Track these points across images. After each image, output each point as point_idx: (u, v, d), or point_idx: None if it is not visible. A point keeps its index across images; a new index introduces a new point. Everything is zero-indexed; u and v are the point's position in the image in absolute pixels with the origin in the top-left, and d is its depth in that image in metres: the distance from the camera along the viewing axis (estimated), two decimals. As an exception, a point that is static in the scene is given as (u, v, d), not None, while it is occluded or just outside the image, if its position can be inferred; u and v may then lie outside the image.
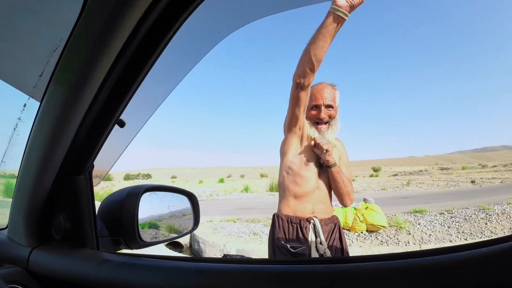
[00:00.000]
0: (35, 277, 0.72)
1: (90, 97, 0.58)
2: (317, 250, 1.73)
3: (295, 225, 1.80)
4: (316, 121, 1.85)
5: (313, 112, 1.85)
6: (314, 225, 1.78)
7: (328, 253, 1.73)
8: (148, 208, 0.91)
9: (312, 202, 1.83)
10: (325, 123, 1.85)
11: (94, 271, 0.66)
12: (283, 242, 1.80)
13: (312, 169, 1.84)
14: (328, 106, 1.83)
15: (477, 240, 5.67)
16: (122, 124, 0.69)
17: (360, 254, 5.75)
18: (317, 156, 1.85)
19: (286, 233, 1.82)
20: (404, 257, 0.49)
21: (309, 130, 1.84)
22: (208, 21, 0.62)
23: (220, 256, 6.03)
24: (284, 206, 1.88)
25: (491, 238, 0.49)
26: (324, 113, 1.82)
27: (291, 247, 1.78)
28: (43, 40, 0.58)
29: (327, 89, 1.84)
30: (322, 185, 1.86)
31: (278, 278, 0.50)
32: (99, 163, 0.76)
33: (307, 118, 1.87)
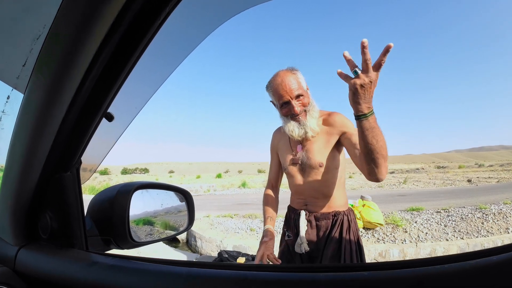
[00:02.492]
0: (22, 277, 0.69)
1: (74, 88, 0.54)
2: (301, 243, 1.72)
3: (292, 214, 1.87)
4: (291, 116, 1.68)
5: (285, 110, 1.68)
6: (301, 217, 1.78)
7: (305, 248, 1.70)
8: (141, 206, 0.88)
9: (304, 196, 1.81)
10: (301, 113, 1.66)
11: (82, 273, 0.63)
12: (285, 229, 1.92)
13: (291, 168, 1.81)
14: (298, 97, 1.63)
15: (474, 239, 5.70)
16: (110, 117, 0.65)
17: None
18: (291, 156, 1.80)
19: (286, 221, 1.93)
20: (411, 265, 0.46)
21: (288, 127, 1.70)
22: (203, 6, 0.59)
23: (217, 252, 6.02)
24: (290, 196, 1.94)
25: (502, 245, 0.47)
26: (296, 107, 1.63)
27: (287, 234, 1.88)
28: (25, 27, 0.54)
29: (287, 78, 1.63)
30: (314, 179, 1.73)
31: (276, 287, 0.47)
32: (88, 158, 0.73)
33: (282, 116, 1.74)
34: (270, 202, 1.95)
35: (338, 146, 1.69)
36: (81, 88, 0.55)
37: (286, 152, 1.85)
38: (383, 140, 1.24)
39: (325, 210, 1.73)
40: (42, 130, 0.60)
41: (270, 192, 2.01)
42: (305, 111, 1.66)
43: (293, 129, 1.67)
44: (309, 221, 1.76)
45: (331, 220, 1.71)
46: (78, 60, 0.50)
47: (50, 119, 0.59)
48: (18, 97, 0.63)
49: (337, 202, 1.75)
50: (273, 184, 2.03)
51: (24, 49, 0.56)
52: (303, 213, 1.77)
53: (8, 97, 0.67)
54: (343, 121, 1.66)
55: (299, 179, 1.79)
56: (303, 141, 1.75)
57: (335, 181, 1.72)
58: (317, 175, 1.71)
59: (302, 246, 1.71)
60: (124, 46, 0.53)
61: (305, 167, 1.74)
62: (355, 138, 1.48)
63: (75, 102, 0.57)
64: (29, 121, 0.60)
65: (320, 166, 1.68)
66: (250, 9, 0.66)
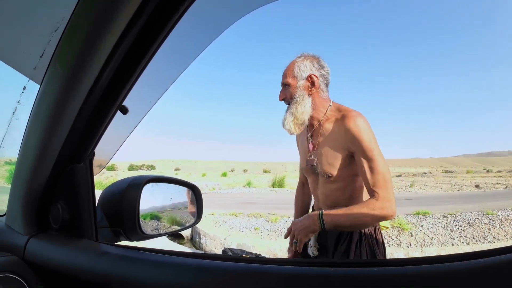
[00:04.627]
0: (31, 266, 0.70)
1: (91, 80, 0.55)
2: (311, 246, 1.63)
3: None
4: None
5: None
6: None
7: (314, 252, 1.61)
8: (150, 199, 0.89)
9: (318, 201, 1.66)
10: (287, 101, 1.54)
11: (92, 262, 0.64)
12: None
13: (306, 168, 1.65)
14: (285, 84, 1.53)
15: (481, 245, 5.63)
16: (125, 110, 0.66)
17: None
18: (306, 154, 1.64)
19: None
20: (420, 263, 0.46)
21: None
22: (217, 4, 0.59)
23: (221, 250, 6.04)
24: None
25: (509, 245, 0.47)
26: (281, 94, 1.55)
27: None
28: (43, 19, 0.55)
29: (290, 63, 1.54)
30: (325, 187, 1.57)
31: (286, 281, 0.47)
32: (100, 152, 0.74)
33: None
34: (300, 204, 1.93)
35: (351, 157, 1.44)
36: (98, 80, 0.56)
37: (303, 149, 1.69)
38: (353, 219, 1.33)
39: None
40: (58, 121, 0.61)
41: (300, 192, 1.95)
42: (287, 101, 1.53)
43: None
44: None
45: (345, 232, 1.52)
46: (96, 52, 0.51)
47: (66, 110, 0.60)
48: (34, 88, 0.64)
49: None
50: (304, 181, 1.91)
51: (42, 41, 0.56)
52: None
53: (24, 88, 0.68)
54: (355, 133, 1.37)
55: (313, 182, 1.66)
56: (313, 137, 1.58)
57: (351, 192, 1.53)
58: (329, 184, 1.53)
59: (311, 250, 1.62)
60: (141, 40, 0.53)
61: (317, 172, 1.57)
62: (362, 159, 1.36)
63: (91, 94, 0.58)
64: (44, 112, 0.62)
65: (330, 177, 1.49)
66: (267, 5, 0.67)
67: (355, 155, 1.40)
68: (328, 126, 1.50)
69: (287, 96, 1.51)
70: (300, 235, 1.37)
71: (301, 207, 1.92)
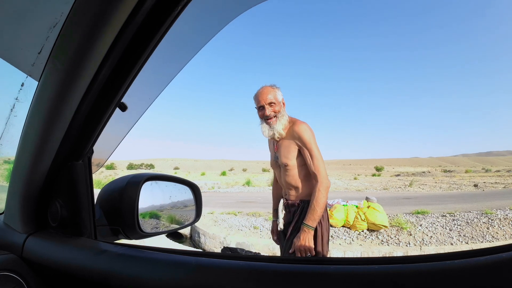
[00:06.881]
0: (29, 265, 0.69)
1: (90, 77, 0.55)
2: (278, 223, 2.32)
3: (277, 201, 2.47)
4: (265, 118, 2.16)
5: (260, 113, 2.17)
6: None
7: (281, 226, 2.29)
8: (149, 197, 0.88)
9: (283, 187, 2.34)
10: (272, 117, 2.15)
11: (90, 261, 0.63)
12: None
13: (272, 163, 2.37)
14: (270, 103, 2.13)
15: (479, 244, 5.64)
16: (123, 107, 0.65)
17: (361, 254, 5.73)
18: (273, 154, 2.34)
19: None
20: (419, 260, 0.46)
21: (261, 127, 2.20)
22: (216, 2, 0.59)
23: (220, 248, 6.04)
24: None
25: (509, 243, 0.47)
26: (268, 111, 2.13)
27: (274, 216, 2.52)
28: (42, 15, 0.54)
29: (266, 90, 2.17)
30: (284, 174, 2.23)
31: (286, 278, 0.47)
32: (99, 150, 0.73)
33: (259, 118, 2.22)
34: (275, 195, 2.56)
35: (299, 151, 2.14)
36: (97, 77, 0.55)
37: (270, 150, 2.41)
38: (317, 205, 2.00)
39: (294, 199, 2.25)
40: (56, 118, 0.61)
41: (274, 186, 2.59)
42: (275, 116, 2.14)
43: (265, 130, 2.18)
44: (285, 207, 2.32)
45: (298, 206, 2.21)
46: (95, 49, 0.50)
47: (65, 107, 0.59)
48: (32, 85, 0.63)
49: (305, 193, 2.21)
50: (276, 178, 2.49)
51: (40, 37, 0.56)
52: (282, 200, 2.35)
53: (22, 84, 0.68)
54: (299, 134, 2.10)
55: (278, 173, 2.34)
56: (277, 142, 2.24)
57: (301, 177, 2.19)
58: (286, 171, 2.21)
59: (279, 225, 2.31)
60: (140, 36, 0.52)
61: (279, 164, 2.26)
62: (306, 152, 2.08)
63: (90, 90, 0.57)
64: (43, 108, 0.61)
65: (286, 166, 2.18)
66: (262, 6, 0.66)
67: (301, 149, 2.11)
68: (285, 132, 2.17)
69: (275, 110, 2.14)
70: (305, 247, 2.00)
71: (276, 197, 2.53)
